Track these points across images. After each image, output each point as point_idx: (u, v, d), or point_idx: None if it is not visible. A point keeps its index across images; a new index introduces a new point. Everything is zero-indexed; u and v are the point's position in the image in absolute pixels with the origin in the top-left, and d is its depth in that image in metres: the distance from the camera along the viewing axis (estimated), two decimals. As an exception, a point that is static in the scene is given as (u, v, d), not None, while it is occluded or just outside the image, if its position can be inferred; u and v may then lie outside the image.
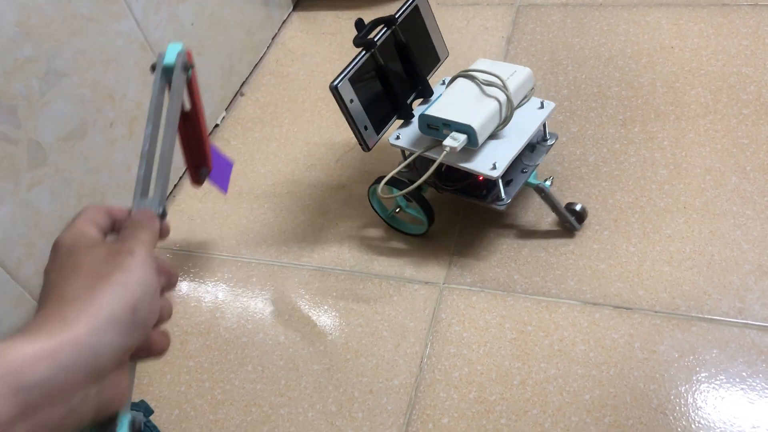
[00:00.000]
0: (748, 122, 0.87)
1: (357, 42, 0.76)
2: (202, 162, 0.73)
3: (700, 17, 1.03)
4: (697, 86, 0.94)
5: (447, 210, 0.83)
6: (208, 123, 1.06)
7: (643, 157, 0.87)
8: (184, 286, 0.88)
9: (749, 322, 0.70)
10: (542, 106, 0.78)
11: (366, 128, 0.77)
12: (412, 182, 0.77)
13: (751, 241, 0.76)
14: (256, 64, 1.17)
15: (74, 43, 0.79)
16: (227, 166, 0.82)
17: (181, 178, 1.01)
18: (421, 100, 0.83)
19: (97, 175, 0.85)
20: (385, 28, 0.78)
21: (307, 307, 0.82)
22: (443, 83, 0.85)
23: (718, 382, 0.67)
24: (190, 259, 0.91)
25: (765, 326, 0.70)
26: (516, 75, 0.76)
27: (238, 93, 1.12)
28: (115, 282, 0.41)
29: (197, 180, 0.74)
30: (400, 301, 0.80)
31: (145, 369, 0.80)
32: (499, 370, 0.72)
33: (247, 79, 1.14)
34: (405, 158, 0.81)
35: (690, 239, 0.78)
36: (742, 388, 0.66)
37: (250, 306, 0.84)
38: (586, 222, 0.82)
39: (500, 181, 0.74)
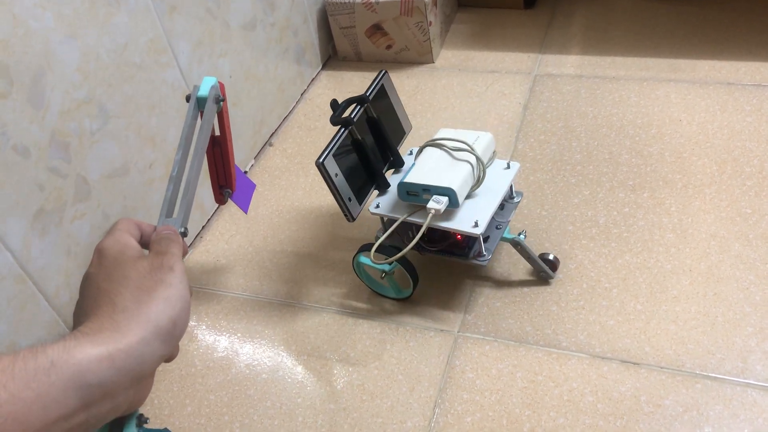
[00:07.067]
0: (751, 193, 0.92)
1: (334, 121, 0.80)
2: (226, 183, 0.79)
3: (706, 94, 1.10)
4: (703, 158, 0.99)
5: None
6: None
7: (651, 221, 0.92)
8: (208, 323, 0.92)
9: (751, 381, 0.73)
10: (509, 167, 0.84)
11: (350, 200, 0.81)
12: (396, 248, 0.81)
13: (754, 304, 0.80)
14: (285, 117, 1.23)
15: (124, 89, 0.85)
16: (250, 188, 0.87)
17: (209, 220, 1.06)
18: (392, 170, 0.88)
19: (134, 213, 0.90)
20: (358, 106, 0.82)
21: (325, 347, 0.86)
22: (411, 153, 0.90)
23: (720, 438, 0.70)
24: (215, 296, 0.95)
25: (766, 386, 0.73)
26: (480, 140, 0.82)
27: (267, 143, 1.18)
28: (160, 297, 0.46)
29: (220, 200, 0.80)
30: (416, 347, 0.84)
31: (167, 400, 0.83)
32: (510, 417, 0.75)
33: (276, 130, 1.21)
34: (384, 225, 0.85)
35: (695, 300, 0.82)
36: (743, 445, 0.69)
37: (271, 344, 0.88)
38: (595, 278, 0.86)
39: (480, 238, 0.79)
